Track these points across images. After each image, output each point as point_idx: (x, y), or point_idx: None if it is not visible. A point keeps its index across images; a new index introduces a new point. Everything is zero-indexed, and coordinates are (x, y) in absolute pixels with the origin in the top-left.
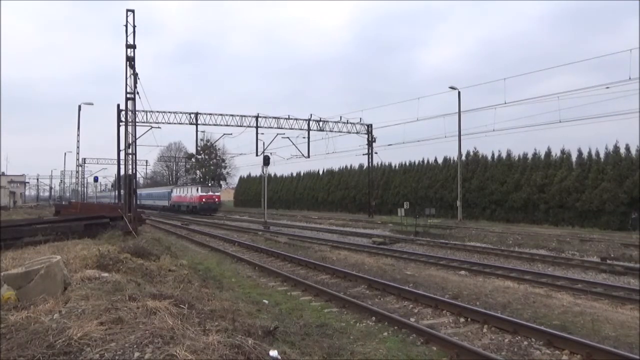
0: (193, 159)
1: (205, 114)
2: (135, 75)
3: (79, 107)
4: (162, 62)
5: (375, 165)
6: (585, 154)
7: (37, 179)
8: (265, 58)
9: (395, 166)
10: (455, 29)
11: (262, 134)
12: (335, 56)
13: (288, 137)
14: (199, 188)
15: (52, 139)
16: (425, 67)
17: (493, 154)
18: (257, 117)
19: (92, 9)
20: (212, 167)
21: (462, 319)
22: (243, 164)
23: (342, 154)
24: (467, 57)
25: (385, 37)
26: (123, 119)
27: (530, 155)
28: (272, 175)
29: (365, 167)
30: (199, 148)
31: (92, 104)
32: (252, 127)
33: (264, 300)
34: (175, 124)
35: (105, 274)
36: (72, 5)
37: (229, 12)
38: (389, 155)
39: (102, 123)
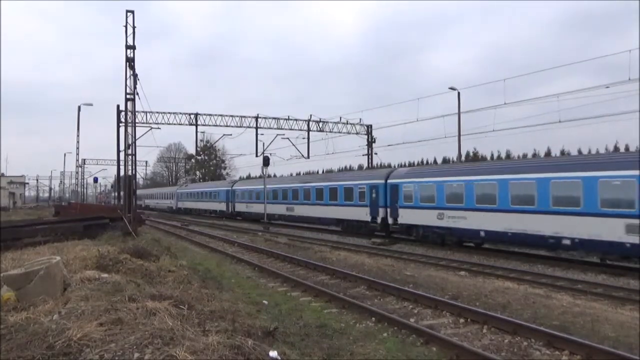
0: (193, 160)
1: (204, 114)
2: (134, 76)
3: (79, 107)
4: (175, 65)
5: (375, 165)
6: (585, 154)
7: (37, 180)
8: (275, 62)
9: (395, 167)
10: (464, 34)
11: (262, 134)
12: (345, 61)
13: (288, 138)
14: None
15: (52, 140)
16: (433, 71)
17: (492, 154)
18: (256, 118)
19: (108, 14)
20: (211, 168)
21: (462, 320)
22: (243, 164)
23: (341, 154)
24: (476, 61)
25: (394, 42)
26: (123, 119)
27: (530, 156)
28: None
29: (365, 167)
30: (198, 149)
31: (91, 104)
32: (251, 127)
33: (264, 301)
34: (175, 124)
35: (105, 275)
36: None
37: (244, 18)
38: (389, 156)
39: (104, 124)
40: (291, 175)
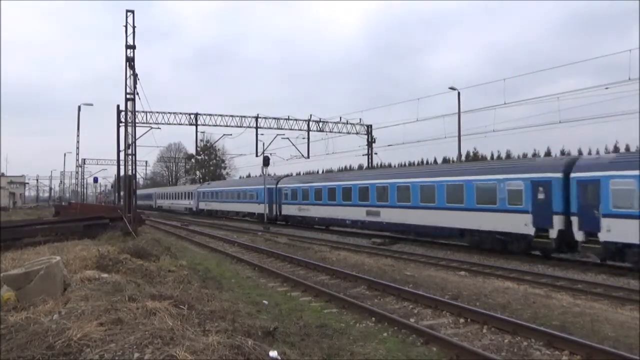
0: (193, 160)
1: (204, 114)
2: (134, 75)
3: (79, 107)
4: (175, 65)
5: (375, 165)
6: (585, 154)
7: (37, 180)
8: (275, 62)
9: (395, 166)
10: (464, 35)
11: (262, 134)
12: (345, 61)
13: (288, 138)
14: None
15: (52, 140)
16: (433, 72)
17: (492, 155)
18: (256, 118)
19: (109, 14)
20: (211, 168)
21: (462, 320)
22: (243, 164)
23: (341, 154)
24: (476, 61)
25: (394, 42)
26: (123, 119)
27: (530, 156)
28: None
29: (365, 167)
30: (198, 149)
31: (91, 104)
32: (252, 127)
33: (264, 301)
34: (175, 124)
35: (105, 275)
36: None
37: (244, 18)
38: (389, 156)
39: (104, 124)
40: (366, 167)
